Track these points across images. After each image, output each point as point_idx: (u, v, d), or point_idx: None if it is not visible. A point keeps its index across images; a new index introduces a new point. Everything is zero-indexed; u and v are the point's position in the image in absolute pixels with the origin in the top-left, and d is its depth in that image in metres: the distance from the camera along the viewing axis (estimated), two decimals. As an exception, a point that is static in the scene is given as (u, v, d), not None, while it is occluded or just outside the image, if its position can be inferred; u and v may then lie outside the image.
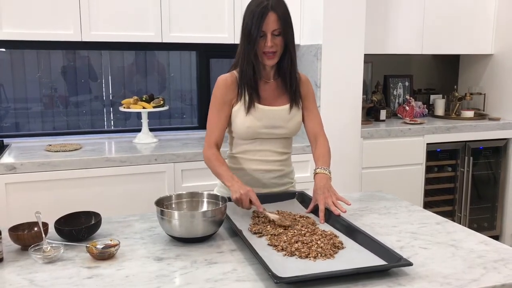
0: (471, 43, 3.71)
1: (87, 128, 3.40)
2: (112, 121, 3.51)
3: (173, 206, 1.61)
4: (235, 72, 1.82)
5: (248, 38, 1.70)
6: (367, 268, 1.24)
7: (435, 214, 1.77)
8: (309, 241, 1.40)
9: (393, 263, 1.25)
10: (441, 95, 4.03)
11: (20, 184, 2.47)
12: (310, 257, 1.31)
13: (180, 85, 3.67)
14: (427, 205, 3.51)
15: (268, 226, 1.53)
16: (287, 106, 1.82)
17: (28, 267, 1.31)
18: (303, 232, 1.47)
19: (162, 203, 1.56)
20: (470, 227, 3.43)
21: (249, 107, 1.77)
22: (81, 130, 3.35)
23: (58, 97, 3.36)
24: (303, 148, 2.87)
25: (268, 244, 1.41)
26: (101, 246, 1.38)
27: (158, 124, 3.56)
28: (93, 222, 1.53)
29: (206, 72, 3.50)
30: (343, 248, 1.39)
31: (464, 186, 3.60)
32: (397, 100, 3.98)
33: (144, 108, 3.00)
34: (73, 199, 2.54)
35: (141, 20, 2.85)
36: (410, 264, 1.24)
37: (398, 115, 3.82)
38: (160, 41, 2.90)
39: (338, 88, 3.02)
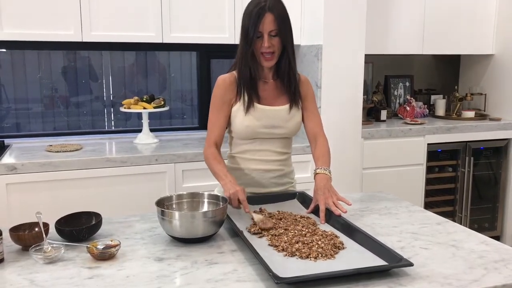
0: (471, 43, 3.71)
1: (88, 129, 3.40)
2: (112, 122, 3.51)
3: (174, 206, 1.61)
4: (234, 72, 1.82)
5: (246, 38, 1.71)
6: (367, 269, 1.24)
7: (435, 215, 1.77)
8: (310, 241, 1.40)
9: (394, 264, 1.25)
10: (441, 95, 4.03)
11: (21, 184, 2.47)
12: (310, 258, 1.31)
13: (180, 85, 3.67)
14: (427, 206, 3.51)
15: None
16: (287, 106, 1.82)
17: (29, 267, 1.31)
18: (303, 232, 1.47)
19: (163, 204, 1.56)
20: (471, 227, 3.43)
21: (248, 107, 1.77)
22: (81, 131, 3.36)
23: (58, 97, 3.36)
24: (303, 148, 2.87)
25: (269, 245, 1.41)
26: (102, 247, 1.38)
27: (159, 124, 3.56)
28: (93, 222, 1.53)
29: (207, 72, 3.50)
30: (343, 248, 1.39)
31: (464, 187, 3.60)
32: (397, 101, 3.98)
33: (144, 108, 3.00)
34: (74, 199, 2.54)
35: (141, 20, 2.85)
36: (410, 264, 1.24)
37: (399, 115, 3.82)
38: (161, 42, 2.90)
39: (339, 89, 3.02)
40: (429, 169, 3.48)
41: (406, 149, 3.36)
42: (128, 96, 3.38)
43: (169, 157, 2.71)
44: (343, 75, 3.01)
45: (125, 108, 3.03)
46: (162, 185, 2.71)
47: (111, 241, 1.42)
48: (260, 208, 1.71)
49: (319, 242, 1.39)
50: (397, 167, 3.34)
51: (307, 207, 1.73)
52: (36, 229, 1.46)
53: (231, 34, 2.99)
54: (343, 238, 1.46)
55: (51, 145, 2.89)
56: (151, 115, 3.12)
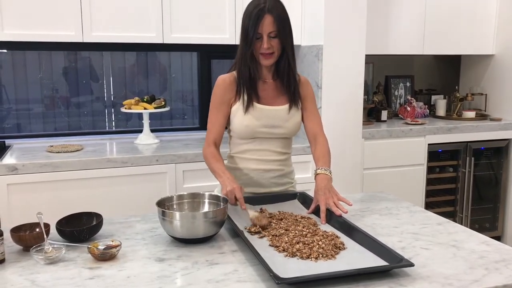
0: (472, 44, 3.70)
1: (89, 129, 3.40)
2: (113, 122, 3.51)
3: (175, 207, 1.61)
4: (234, 72, 1.83)
5: (245, 39, 1.73)
6: (368, 269, 1.24)
7: (436, 215, 1.77)
8: (311, 241, 1.40)
9: (395, 264, 1.25)
10: (442, 96, 4.03)
11: (22, 185, 2.48)
12: (311, 258, 1.31)
13: (181, 85, 3.67)
14: (428, 206, 3.51)
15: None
16: (286, 106, 1.83)
17: (30, 267, 1.31)
18: (304, 233, 1.47)
19: (164, 204, 1.56)
20: (472, 227, 3.43)
21: (247, 106, 1.78)
22: (82, 131, 3.36)
23: (59, 98, 3.36)
24: (304, 148, 2.87)
25: (270, 245, 1.41)
26: (103, 247, 1.38)
27: (160, 125, 3.56)
28: (94, 223, 1.53)
29: (207, 72, 3.50)
30: (344, 248, 1.39)
31: (465, 187, 3.60)
32: (398, 101, 3.98)
33: (145, 109, 3.00)
34: (75, 200, 2.54)
35: (142, 21, 2.85)
36: (411, 264, 1.24)
37: (400, 115, 3.82)
38: (161, 42, 2.90)
39: (339, 89, 3.02)
40: (430, 169, 3.48)
41: (407, 150, 3.36)
42: (128, 96, 3.38)
43: (169, 158, 2.71)
44: (344, 75, 3.01)
45: (125, 108, 3.03)
46: (163, 185, 2.71)
47: (112, 241, 1.42)
48: (261, 208, 1.71)
49: (320, 243, 1.39)
50: (398, 167, 3.34)
51: (307, 207, 1.74)
52: (37, 229, 1.46)
53: (231, 35, 2.99)
54: (343, 238, 1.46)
55: (52, 146, 2.89)
56: (151, 116, 3.12)
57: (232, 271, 1.28)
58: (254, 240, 1.44)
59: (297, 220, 1.60)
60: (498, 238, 3.60)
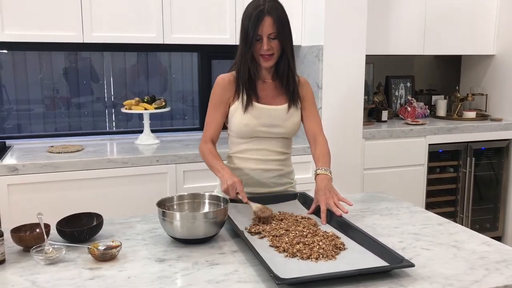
0: (472, 44, 3.70)
1: (89, 130, 3.40)
2: (113, 122, 3.51)
3: (175, 207, 1.61)
4: (234, 72, 1.84)
5: (245, 41, 1.74)
6: (368, 269, 1.24)
7: (437, 215, 1.77)
8: (311, 242, 1.40)
9: (395, 264, 1.25)
10: (442, 96, 4.03)
11: (22, 185, 2.48)
12: (311, 258, 1.31)
13: (181, 86, 3.67)
14: (429, 206, 3.50)
15: (267, 227, 1.54)
16: (285, 105, 1.84)
17: (30, 268, 1.31)
18: (304, 233, 1.47)
19: (164, 204, 1.56)
20: (472, 228, 3.42)
21: (247, 106, 1.79)
22: (83, 132, 3.36)
23: (60, 98, 3.36)
24: (304, 149, 2.87)
25: (270, 245, 1.41)
26: (103, 247, 1.38)
27: (160, 125, 3.56)
28: (95, 223, 1.53)
29: (208, 73, 3.50)
30: (344, 249, 1.39)
31: (466, 187, 3.59)
32: (398, 101, 3.98)
33: (145, 109, 3.00)
34: (75, 200, 2.54)
35: (142, 21, 2.85)
36: (412, 265, 1.24)
37: (400, 116, 3.81)
38: (162, 42, 2.90)
39: (340, 89, 3.02)
40: (430, 170, 3.48)
41: (407, 150, 3.36)
42: (129, 97, 3.38)
43: (170, 158, 2.71)
44: (344, 75, 3.01)
45: (126, 109, 3.03)
46: (163, 186, 2.71)
47: (112, 242, 1.42)
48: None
49: (320, 243, 1.39)
50: (398, 167, 3.34)
51: (308, 207, 1.74)
52: (37, 230, 1.46)
53: (232, 35, 2.99)
54: (344, 238, 1.46)
55: (52, 146, 2.89)
56: (152, 116, 3.12)
57: (233, 272, 1.28)
58: (254, 240, 1.44)
59: (297, 220, 1.60)
60: (498, 239, 3.60)
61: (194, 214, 1.52)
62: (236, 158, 1.88)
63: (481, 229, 3.61)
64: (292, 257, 1.33)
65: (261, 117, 1.80)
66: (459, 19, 3.62)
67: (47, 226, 1.44)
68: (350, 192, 2.92)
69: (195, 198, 1.65)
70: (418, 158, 3.40)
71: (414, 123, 3.55)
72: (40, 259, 1.34)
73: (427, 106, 3.91)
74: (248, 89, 1.80)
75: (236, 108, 1.81)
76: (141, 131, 3.10)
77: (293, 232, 1.48)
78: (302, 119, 1.90)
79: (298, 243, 1.39)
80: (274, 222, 1.59)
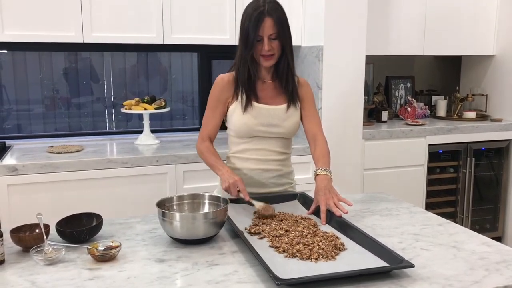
0: (472, 44, 3.70)
1: (89, 130, 3.40)
2: (113, 123, 3.51)
3: (175, 207, 1.61)
4: (234, 72, 1.85)
5: (246, 42, 1.74)
6: (368, 270, 1.24)
7: (437, 216, 1.77)
8: (311, 242, 1.40)
9: (395, 265, 1.25)
10: (442, 96, 4.02)
11: (22, 185, 2.48)
12: (311, 259, 1.31)
13: (181, 86, 3.67)
14: (429, 207, 3.50)
15: (267, 227, 1.54)
16: (284, 105, 1.84)
17: (30, 268, 1.31)
18: (304, 233, 1.47)
19: (164, 205, 1.56)
20: (472, 228, 3.43)
21: (246, 106, 1.80)
22: (82, 132, 3.36)
23: (59, 98, 3.36)
24: (304, 149, 2.87)
25: (270, 246, 1.41)
26: (103, 248, 1.38)
27: (160, 125, 3.56)
28: (94, 223, 1.53)
29: (208, 73, 3.50)
30: (344, 249, 1.39)
31: (466, 188, 3.59)
32: (398, 101, 3.98)
33: (145, 109, 3.00)
34: (75, 200, 2.54)
35: (142, 21, 2.85)
36: (411, 265, 1.24)
37: (400, 116, 3.81)
38: (162, 43, 2.90)
39: (340, 89, 3.02)
40: (430, 170, 3.48)
41: (407, 150, 3.36)
42: (129, 97, 3.38)
43: (170, 158, 2.71)
44: (344, 76, 3.01)
45: (126, 109, 3.03)
46: (163, 186, 2.71)
47: (112, 242, 1.42)
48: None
49: (320, 243, 1.39)
50: (398, 168, 3.34)
51: (308, 208, 1.73)
52: (37, 230, 1.46)
53: (231, 35, 2.99)
54: (344, 239, 1.46)
55: (52, 146, 2.89)
56: (152, 116, 3.12)
57: (232, 272, 1.28)
58: (254, 241, 1.44)
59: (297, 220, 1.60)
60: (498, 239, 3.60)
61: (194, 215, 1.52)
62: (236, 158, 1.88)
63: (481, 230, 3.61)
64: (292, 258, 1.33)
65: (260, 117, 1.81)
66: (459, 19, 3.62)
67: (46, 227, 1.44)
68: (350, 192, 2.92)
69: (195, 199, 1.65)
70: (418, 158, 3.40)
71: (414, 123, 3.54)
72: (39, 260, 1.34)
73: (427, 107, 3.91)
74: (247, 89, 1.81)
75: (235, 107, 1.82)
76: (141, 131, 3.10)
77: (293, 232, 1.48)
78: (301, 120, 1.90)
79: (298, 244, 1.39)
80: (274, 222, 1.59)
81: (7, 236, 1.44)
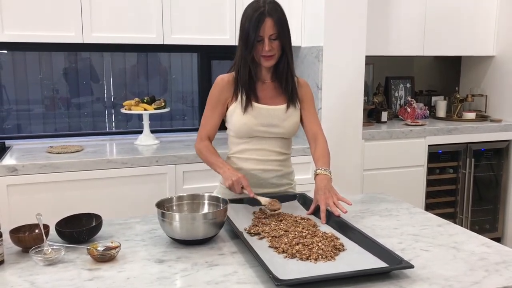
0: (472, 45, 3.70)
1: (89, 130, 3.40)
2: (113, 123, 3.51)
3: (174, 208, 1.61)
4: (234, 73, 1.85)
5: (246, 42, 1.74)
6: (368, 271, 1.24)
7: (436, 216, 1.77)
8: (310, 243, 1.40)
9: (394, 266, 1.25)
10: (442, 97, 4.02)
11: (22, 186, 2.47)
12: (311, 259, 1.31)
13: (181, 86, 3.67)
14: (428, 207, 3.50)
15: (267, 227, 1.54)
16: (284, 105, 1.85)
17: (29, 269, 1.31)
18: (304, 234, 1.47)
19: (163, 205, 1.56)
20: (472, 229, 3.42)
21: (246, 106, 1.80)
22: (82, 132, 3.36)
23: (59, 98, 3.36)
24: (304, 149, 2.87)
25: (269, 246, 1.41)
26: (102, 248, 1.38)
27: (160, 125, 3.56)
28: (94, 224, 1.53)
29: (208, 73, 3.50)
30: (344, 250, 1.39)
31: (465, 188, 3.59)
32: (398, 102, 3.98)
33: (145, 109, 3.00)
34: (74, 201, 2.54)
35: (142, 21, 2.85)
36: (411, 266, 1.24)
37: (400, 116, 3.81)
38: (162, 43, 2.90)
39: (340, 90, 3.02)
40: (430, 171, 3.48)
41: (407, 151, 3.36)
42: (128, 97, 3.38)
43: (169, 159, 2.71)
44: (344, 76, 3.01)
45: (126, 109, 3.03)
46: (163, 186, 2.71)
47: (112, 242, 1.42)
48: (260, 209, 1.71)
49: (320, 244, 1.39)
50: (398, 168, 3.34)
51: (307, 208, 1.73)
52: (37, 230, 1.46)
53: (231, 35, 2.99)
54: (343, 239, 1.46)
55: (51, 147, 2.89)
56: (151, 117, 3.12)
57: (232, 273, 1.28)
58: (253, 241, 1.44)
59: (296, 221, 1.60)
60: (498, 240, 3.60)
61: (194, 215, 1.52)
62: (236, 158, 1.88)
63: (480, 230, 3.61)
64: (291, 258, 1.33)
65: (260, 117, 1.81)
66: (459, 20, 3.62)
67: (46, 227, 1.44)
68: (350, 193, 2.91)
69: (195, 199, 1.65)
70: (418, 159, 3.40)
71: (414, 124, 3.54)
72: (39, 260, 1.34)
73: (426, 107, 3.91)
74: (247, 90, 1.81)
75: (235, 108, 1.82)
76: (140, 132, 3.10)
77: (292, 233, 1.48)
78: (301, 120, 1.91)
79: (297, 244, 1.39)
80: (274, 223, 1.59)
81: (6, 236, 1.44)
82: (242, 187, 1.67)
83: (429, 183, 3.48)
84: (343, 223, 1.55)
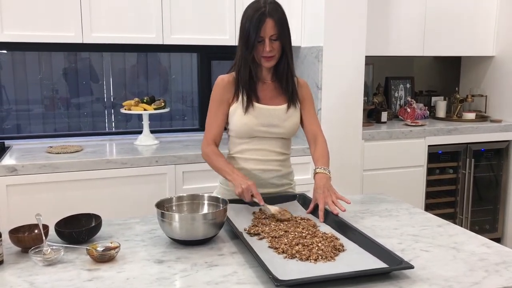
0: (472, 45, 3.70)
1: (88, 130, 3.40)
2: (113, 123, 3.51)
3: (174, 208, 1.61)
4: (234, 73, 1.85)
5: (246, 43, 1.74)
6: (368, 271, 1.24)
7: (436, 217, 1.77)
8: (310, 243, 1.40)
9: (394, 266, 1.24)
10: (442, 97, 4.02)
11: (21, 186, 2.47)
12: (310, 260, 1.31)
13: (181, 86, 3.67)
14: (428, 207, 3.50)
15: (267, 228, 1.53)
16: (284, 106, 1.85)
17: (29, 269, 1.31)
18: (303, 234, 1.47)
19: (163, 205, 1.56)
20: (472, 229, 3.42)
21: (247, 107, 1.80)
22: (82, 132, 3.36)
23: (59, 98, 3.36)
24: (304, 150, 2.87)
25: (269, 247, 1.41)
26: (102, 249, 1.38)
27: (159, 126, 3.56)
28: (93, 224, 1.53)
29: (207, 73, 3.50)
30: (344, 250, 1.39)
31: (465, 188, 3.59)
32: (398, 102, 3.98)
33: (145, 110, 3.00)
34: (74, 201, 2.54)
35: (142, 21, 2.85)
36: (411, 267, 1.24)
37: (400, 117, 3.81)
38: (161, 43, 2.90)
39: (339, 90, 3.02)
40: (430, 171, 3.48)
41: (407, 151, 3.36)
42: (128, 97, 3.38)
43: (169, 159, 2.71)
44: (344, 76, 3.01)
45: (125, 109, 3.03)
46: (163, 186, 2.71)
47: (111, 243, 1.41)
48: (260, 209, 1.71)
49: (319, 244, 1.39)
50: (398, 168, 3.34)
51: (307, 209, 1.73)
52: (36, 231, 1.46)
53: (231, 36, 2.99)
54: (343, 240, 1.46)
55: (51, 147, 2.89)
56: (151, 117, 3.12)
57: (231, 273, 1.28)
58: (253, 242, 1.44)
59: (296, 221, 1.60)
60: (498, 240, 3.60)
61: (193, 215, 1.52)
62: (236, 158, 1.88)
63: (480, 231, 3.61)
64: (291, 258, 1.33)
65: (260, 117, 1.81)
66: (459, 20, 3.62)
67: (45, 227, 1.44)
68: (350, 193, 2.91)
69: (194, 199, 1.65)
70: (418, 159, 3.40)
71: (414, 124, 3.54)
72: (38, 260, 1.33)
73: (426, 107, 3.91)
74: (248, 90, 1.81)
75: (236, 108, 1.82)
76: (140, 132, 3.10)
77: (292, 233, 1.48)
78: (301, 120, 1.91)
79: (297, 244, 1.39)
80: (273, 223, 1.59)
81: (6, 236, 1.44)
82: (252, 195, 1.66)
83: (429, 183, 3.48)
84: (343, 223, 1.55)
